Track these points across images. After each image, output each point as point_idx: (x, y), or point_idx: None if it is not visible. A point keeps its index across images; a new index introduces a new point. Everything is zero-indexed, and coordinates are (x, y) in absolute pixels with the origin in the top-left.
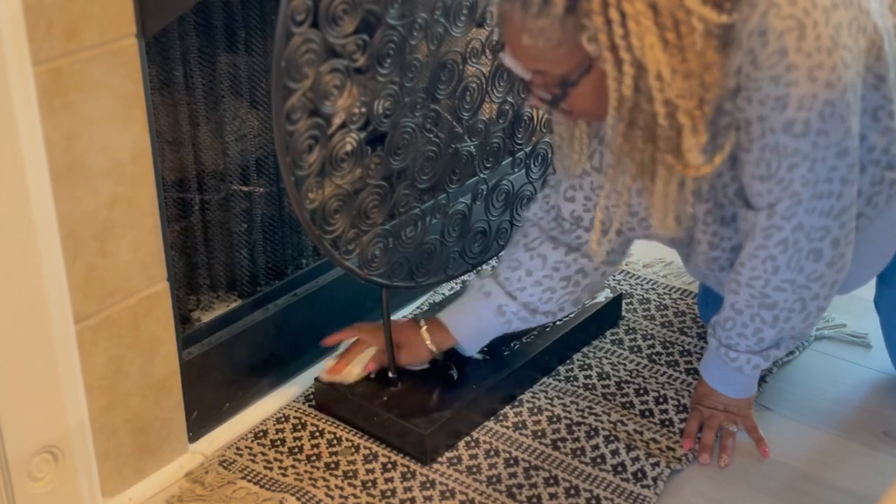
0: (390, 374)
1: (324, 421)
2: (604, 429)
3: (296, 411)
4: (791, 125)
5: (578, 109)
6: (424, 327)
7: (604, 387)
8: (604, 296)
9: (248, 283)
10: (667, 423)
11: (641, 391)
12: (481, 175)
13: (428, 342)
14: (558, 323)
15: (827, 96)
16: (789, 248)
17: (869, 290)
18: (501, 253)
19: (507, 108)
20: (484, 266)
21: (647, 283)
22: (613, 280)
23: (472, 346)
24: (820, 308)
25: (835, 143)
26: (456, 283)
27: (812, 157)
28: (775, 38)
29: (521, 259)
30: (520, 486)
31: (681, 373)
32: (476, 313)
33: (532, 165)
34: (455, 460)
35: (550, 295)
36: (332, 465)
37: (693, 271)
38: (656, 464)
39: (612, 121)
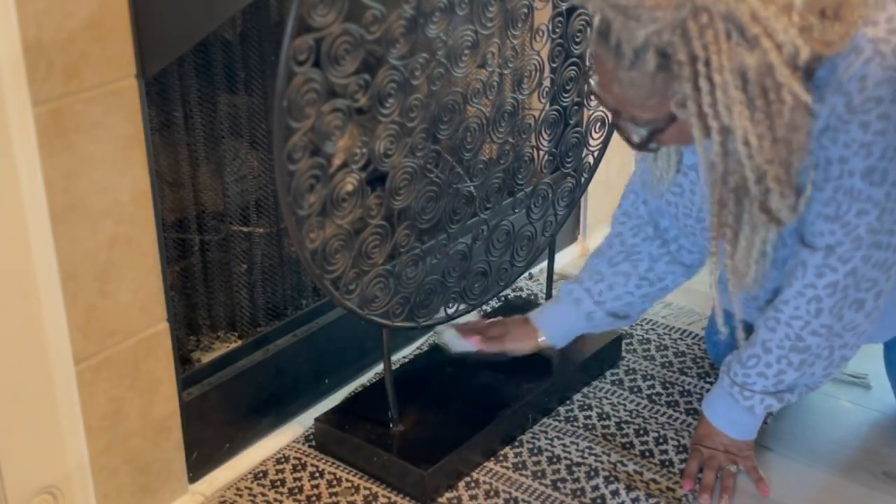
0: (390, 415)
1: (324, 461)
2: (604, 469)
3: (296, 452)
4: (871, 172)
5: (663, 144)
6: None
7: (604, 427)
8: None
9: (248, 323)
10: (667, 463)
11: (641, 431)
12: (482, 215)
13: (541, 338)
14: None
15: None
16: (837, 292)
17: None
18: (588, 258)
19: (508, 148)
20: (484, 307)
21: (647, 323)
22: None
23: (561, 343)
24: (843, 358)
25: None
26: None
27: (882, 206)
28: (873, 86)
29: (603, 272)
30: None
31: (681, 413)
32: (566, 317)
33: (533, 206)
34: (455, 501)
35: (631, 301)
36: None
37: (723, 297)
38: None
39: (705, 183)
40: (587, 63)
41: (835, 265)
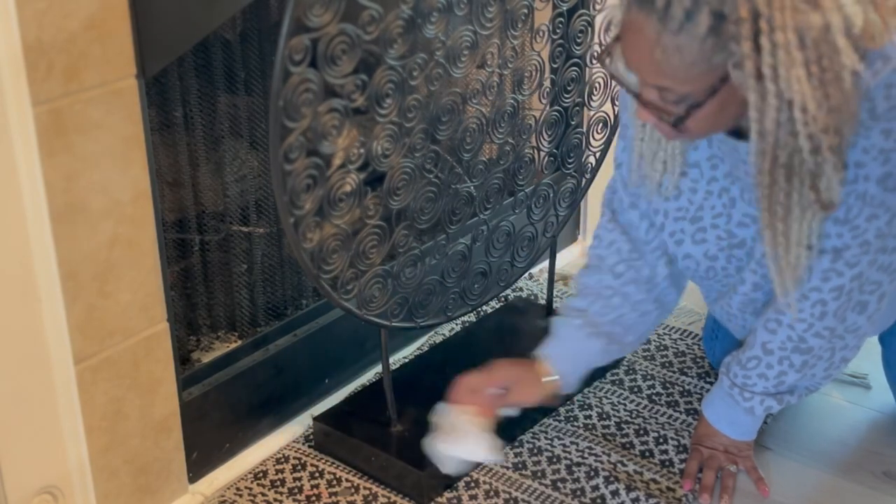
0: (389, 415)
1: (323, 461)
2: (604, 469)
3: (296, 452)
4: (886, 178)
5: (686, 129)
6: (538, 364)
7: (604, 427)
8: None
9: (248, 323)
10: (667, 463)
11: (641, 431)
12: (481, 216)
13: (544, 379)
14: None
15: None
16: (842, 295)
17: None
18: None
19: (508, 148)
20: (484, 308)
21: None
22: None
23: (572, 381)
24: (844, 360)
25: None
26: (456, 324)
27: (893, 212)
28: None
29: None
30: None
31: (681, 413)
32: (576, 346)
33: (533, 206)
34: (454, 501)
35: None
36: None
37: (719, 312)
38: None
39: (754, 158)
40: (601, 43)
41: (841, 269)
